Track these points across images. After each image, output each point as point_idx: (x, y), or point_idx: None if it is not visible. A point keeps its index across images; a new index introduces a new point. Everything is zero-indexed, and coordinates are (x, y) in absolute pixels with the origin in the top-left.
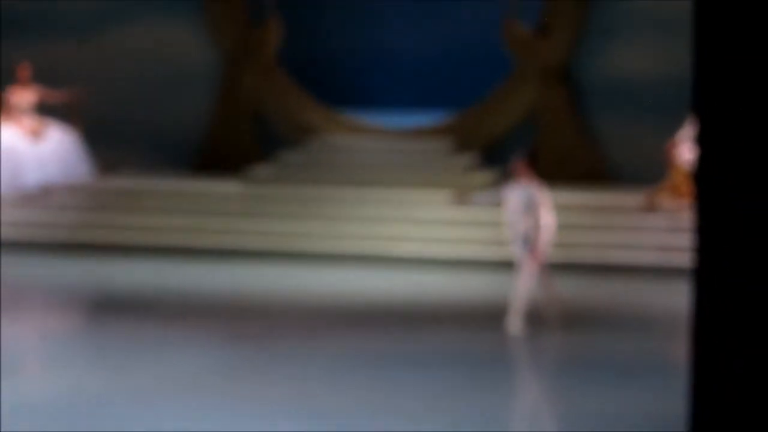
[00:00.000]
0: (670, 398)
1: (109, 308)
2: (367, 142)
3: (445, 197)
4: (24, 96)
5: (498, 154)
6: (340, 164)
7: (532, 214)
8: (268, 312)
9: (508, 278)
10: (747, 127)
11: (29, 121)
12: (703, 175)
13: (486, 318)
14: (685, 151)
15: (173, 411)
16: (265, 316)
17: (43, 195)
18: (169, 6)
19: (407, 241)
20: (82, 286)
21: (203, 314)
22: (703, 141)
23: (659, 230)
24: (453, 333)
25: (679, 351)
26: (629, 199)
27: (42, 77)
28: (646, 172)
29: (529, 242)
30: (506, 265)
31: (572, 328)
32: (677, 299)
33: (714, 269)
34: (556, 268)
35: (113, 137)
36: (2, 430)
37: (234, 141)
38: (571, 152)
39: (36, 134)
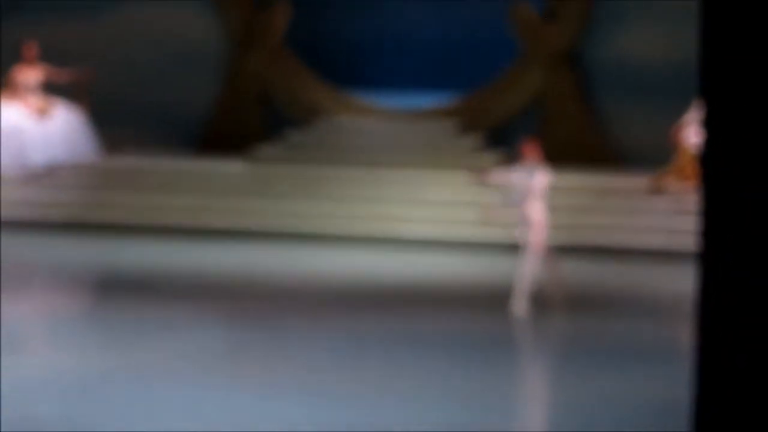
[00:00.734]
0: (674, 383)
1: (114, 288)
2: (373, 124)
3: (454, 179)
4: (30, 75)
5: (504, 137)
6: (346, 145)
7: (536, 196)
8: (272, 292)
9: (514, 260)
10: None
11: (35, 100)
12: (709, 158)
13: (491, 300)
14: (691, 134)
15: (176, 391)
16: (270, 297)
17: (48, 174)
18: None
19: (413, 222)
20: (87, 265)
21: (208, 294)
22: (709, 125)
23: (665, 213)
24: (458, 314)
25: (683, 335)
26: (635, 181)
27: (49, 56)
28: (652, 155)
29: (533, 224)
30: (512, 247)
31: (576, 310)
32: (682, 282)
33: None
34: (562, 250)
35: (119, 117)
36: (3, 407)
37: (240, 121)
38: (578, 135)
39: (42, 113)
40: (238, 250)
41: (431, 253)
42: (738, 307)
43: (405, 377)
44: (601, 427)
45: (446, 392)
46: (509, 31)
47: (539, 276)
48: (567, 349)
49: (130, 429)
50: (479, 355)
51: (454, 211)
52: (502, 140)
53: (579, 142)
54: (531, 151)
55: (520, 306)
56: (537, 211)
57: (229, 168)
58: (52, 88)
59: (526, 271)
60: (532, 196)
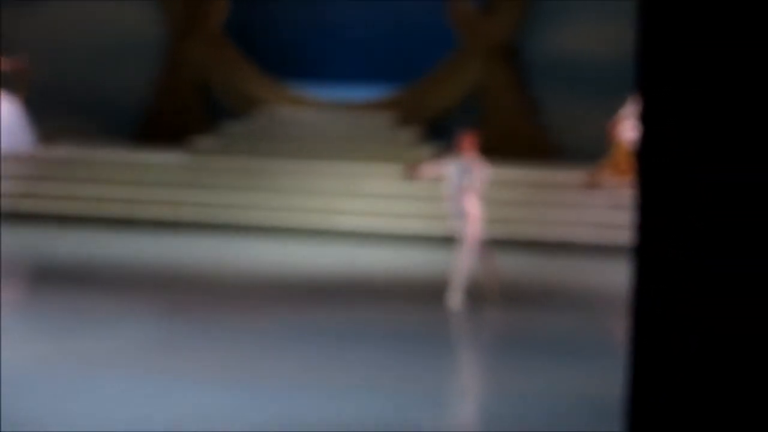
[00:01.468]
0: (607, 377)
1: (50, 278)
2: (311, 115)
3: (391, 171)
4: None
5: (442, 129)
6: (285, 136)
7: (471, 189)
8: (208, 284)
9: (450, 253)
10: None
11: None
12: (645, 152)
13: (427, 292)
14: (627, 129)
15: (109, 381)
16: (206, 289)
17: None
18: None
19: (351, 215)
20: (22, 256)
21: (143, 286)
22: (645, 119)
23: (600, 207)
24: (394, 307)
25: (617, 329)
26: (571, 175)
27: None
28: (588, 149)
29: (468, 217)
30: (448, 240)
31: (512, 304)
32: (617, 277)
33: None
34: (497, 243)
35: (56, 107)
36: None
37: (178, 112)
38: (515, 129)
39: None
40: (176, 242)
41: (369, 245)
42: (670, 300)
43: (338, 369)
44: (534, 421)
45: (378, 385)
46: (448, 23)
47: (475, 269)
48: (501, 342)
49: (63, 419)
50: (413, 347)
51: (391, 203)
52: (441, 133)
53: (517, 135)
54: (468, 144)
55: (455, 299)
56: (472, 205)
57: (168, 159)
58: None
59: (462, 265)
60: (468, 189)
